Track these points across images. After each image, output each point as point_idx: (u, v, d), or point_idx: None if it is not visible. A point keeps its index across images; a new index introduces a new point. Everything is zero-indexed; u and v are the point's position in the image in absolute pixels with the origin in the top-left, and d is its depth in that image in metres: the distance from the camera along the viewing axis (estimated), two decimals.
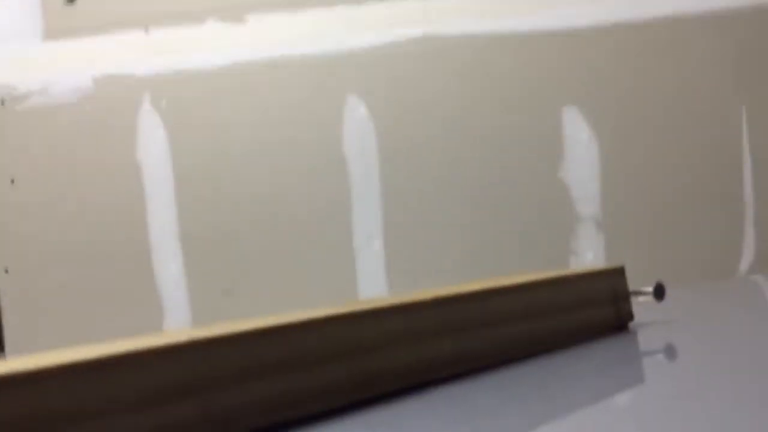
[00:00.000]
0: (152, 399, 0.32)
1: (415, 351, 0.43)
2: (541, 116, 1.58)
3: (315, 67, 1.61)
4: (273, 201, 1.61)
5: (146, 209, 1.63)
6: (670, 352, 0.53)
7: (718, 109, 1.55)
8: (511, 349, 0.49)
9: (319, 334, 0.39)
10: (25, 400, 0.28)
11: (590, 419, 0.35)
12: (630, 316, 0.60)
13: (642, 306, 0.62)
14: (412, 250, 1.59)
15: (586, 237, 1.57)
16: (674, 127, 1.56)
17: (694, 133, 1.56)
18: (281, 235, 1.61)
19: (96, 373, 0.30)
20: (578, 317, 0.56)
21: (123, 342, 0.34)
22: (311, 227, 1.61)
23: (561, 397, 0.40)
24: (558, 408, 0.37)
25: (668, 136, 1.56)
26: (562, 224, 1.57)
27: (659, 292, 0.60)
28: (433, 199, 1.59)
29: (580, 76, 1.58)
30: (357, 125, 1.60)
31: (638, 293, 0.60)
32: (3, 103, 1.66)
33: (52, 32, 1.66)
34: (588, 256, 1.56)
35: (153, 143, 1.63)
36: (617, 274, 0.61)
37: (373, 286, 1.58)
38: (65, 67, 1.65)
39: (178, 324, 1.62)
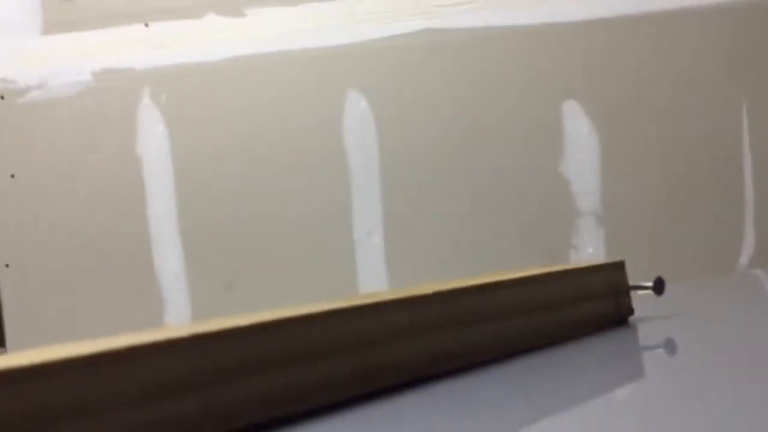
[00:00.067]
0: (153, 394, 0.32)
1: (417, 345, 0.43)
2: (541, 110, 1.58)
3: (315, 61, 1.61)
4: (273, 195, 1.61)
5: (146, 203, 1.63)
6: (670, 346, 0.53)
7: (719, 104, 1.55)
8: (511, 343, 0.49)
9: (320, 328, 0.39)
10: (26, 395, 0.28)
11: (591, 413, 0.35)
12: (630, 311, 0.60)
13: (642, 300, 0.62)
14: (412, 243, 1.59)
15: (587, 231, 1.57)
16: (675, 121, 1.56)
17: (695, 127, 1.56)
18: (281, 228, 1.61)
19: (97, 368, 0.30)
20: (578, 311, 0.56)
21: (124, 337, 0.34)
22: (311, 221, 1.61)
23: (562, 391, 0.40)
24: (559, 401, 0.37)
25: (669, 130, 1.56)
26: (562, 219, 1.57)
27: (659, 287, 0.60)
28: (433, 193, 1.59)
29: (581, 71, 1.58)
30: (357, 119, 1.60)
31: (638, 288, 0.60)
32: (3, 97, 1.65)
33: (51, 26, 1.66)
34: (588, 250, 1.56)
35: (153, 137, 1.63)
36: (617, 268, 0.61)
37: (373, 279, 1.58)
38: (65, 61, 1.65)
39: (178, 318, 1.62)
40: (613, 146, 1.57)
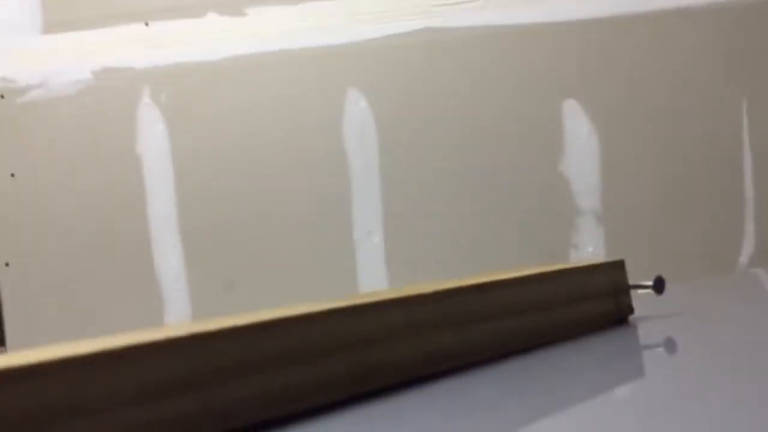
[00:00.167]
0: (152, 393, 0.32)
1: (416, 344, 0.43)
2: (541, 109, 1.58)
3: (315, 61, 1.61)
4: (273, 194, 1.61)
5: (146, 203, 1.63)
6: (670, 345, 0.53)
7: (719, 103, 1.55)
8: (511, 343, 0.49)
9: (319, 327, 0.39)
10: (26, 394, 0.28)
11: (590, 412, 0.35)
12: (630, 310, 0.60)
13: (642, 299, 0.62)
14: (413, 243, 1.59)
15: (587, 230, 1.57)
16: (674, 120, 1.56)
17: (695, 126, 1.55)
18: (281, 228, 1.61)
19: (96, 367, 0.30)
20: (578, 310, 0.56)
21: (123, 336, 0.34)
22: (311, 220, 1.61)
23: (561, 390, 0.40)
24: (558, 401, 0.37)
25: (669, 129, 1.56)
26: (562, 218, 1.57)
27: (659, 286, 0.60)
28: (433, 192, 1.59)
29: (581, 70, 1.57)
30: (357, 118, 1.60)
31: (638, 287, 0.60)
32: (3, 97, 1.65)
33: (51, 25, 1.66)
34: (588, 249, 1.56)
35: (153, 136, 1.63)
36: (617, 267, 0.60)
37: (373, 279, 1.58)
38: (65, 61, 1.65)
39: (178, 317, 1.62)
40: (613, 145, 1.57)
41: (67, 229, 1.64)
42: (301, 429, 0.35)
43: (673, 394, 0.38)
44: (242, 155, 1.62)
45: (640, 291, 0.61)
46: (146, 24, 1.65)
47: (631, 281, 0.60)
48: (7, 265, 1.65)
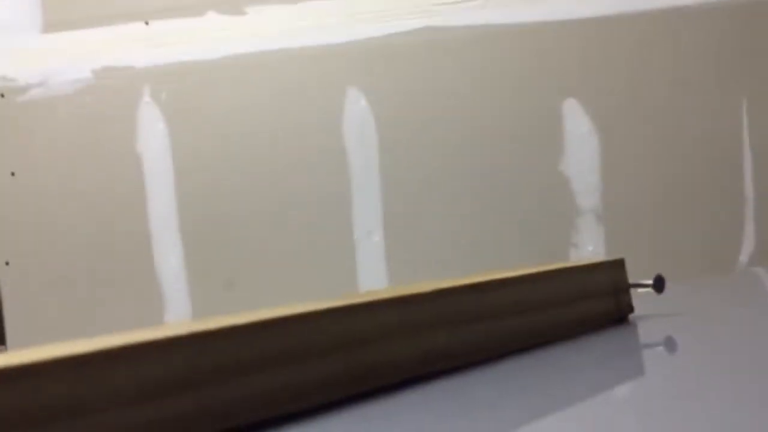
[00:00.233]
0: (152, 392, 0.32)
1: (414, 344, 0.43)
2: (541, 108, 1.57)
3: (315, 59, 1.61)
4: (273, 193, 1.61)
5: (146, 202, 1.63)
6: (670, 344, 0.53)
7: (719, 102, 1.55)
8: (510, 342, 0.49)
9: (316, 327, 0.39)
10: (26, 393, 0.28)
11: (590, 411, 0.35)
12: (630, 309, 0.60)
13: (642, 298, 0.62)
14: (413, 242, 1.59)
15: (587, 229, 1.57)
16: (674, 119, 1.56)
17: (695, 125, 1.55)
18: (281, 227, 1.61)
19: (96, 366, 0.30)
20: (578, 309, 0.56)
21: (123, 335, 0.34)
22: (311, 219, 1.61)
23: (561, 390, 0.40)
24: (558, 400, 0.37)
25: (669, 128, 1.56)
26: (562, 217, 1.57)
27: (659, 285, 0.60)
28: (434, 192, 1.59)
29: (581, 69, 1.57)
30: (357, 117, 1.60)
31: (638, 285, 0.60)
32: (3, 96, 1.65)
33: (51, 24, 1.66)
34: (588, 248, 1.56)
35: (153, 135, 1.63)
36: (617, 266, 0.60)
37: (373, 278, 1.58)
38: (65, 60, 1.65)
39: (178, 316, 1.62)
40: (614, 144, 1.57)
41: (67, 228, 1.64)
42: (299, 428, 0.35)
43: (673, 393, 0.38)
44: (242, 154, 1.62)
45: (640, 290, 0.61)
46: (146, 23, 1.65)
47: (631, 280, 0.60)
48: (7, 264, 1.65)
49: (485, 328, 0.48)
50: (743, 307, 0.67)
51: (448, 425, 0.34)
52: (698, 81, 1.55)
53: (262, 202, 1.61)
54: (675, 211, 1.55)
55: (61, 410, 0.29)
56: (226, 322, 0.35)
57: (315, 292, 1.53)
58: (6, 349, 1.61)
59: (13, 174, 1.65)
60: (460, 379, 0.42)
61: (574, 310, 0.55)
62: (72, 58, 1.65)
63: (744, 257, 1.54)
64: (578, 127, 1.57)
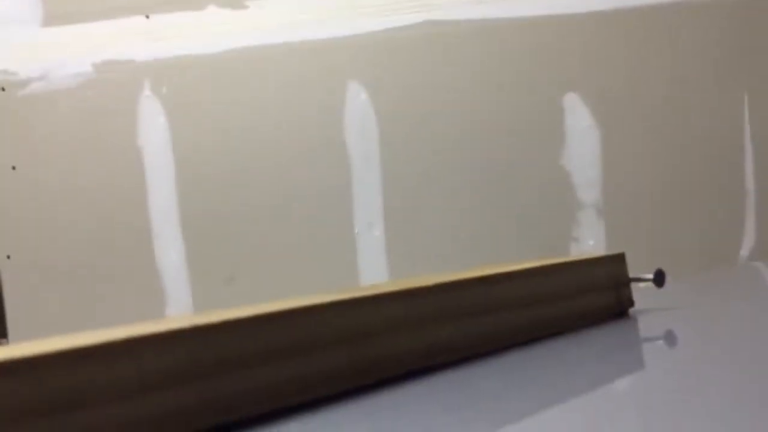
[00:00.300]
0: (154, 385, 0.32)
1: (417, 337, 0.43)
2: (542, 102, 1.57)
3: (316, 53, 1.61)
4: (274, 187, 1.61)
5: (147, 195, 1.63)
6: (670, 338, 0.53)
7: (720, 96, 1.55)
8: (512, 335, 0.49)
9: (320, 320, 0.39)
10: (28, 386, 0.28)
11: (590, 404, 0.35)
12: (630, 303, 0.60)
13: (642, 292, 0.62)
14: (413, 236, 1.59)
15: (587, 223, 1.57)
16: (675, 113, 1.56)
17: (696, 119, 1.55)
18: (282, 221, 1.61)
19: (98, 359, 0.30)
20: (579, 303, 0.56)
21: (124, 328, 0.34)
22: (312, 213, 1.61)
23: (562, 383, 0.40)
24: (559, 393, 0.37)
25: (670, 123, 1.56)
26: (562, 211, 1.57)
27: (659, 279, 0.60)
28: (434, 185, 1.59)
29: (582, 63, 1.57)
30: (358, 111, 1.60)
31: (639, 280, 0.61)
32: (3, 89, 1.65)
33: (52, 18, 1.66)
34: (589, 242, 1.56)
35: (153, 129, 1.63)
36: (618, 260, 0.61)
37: (374, 272, 1.59)
38: (65, 53, 1.65)
39: (179, 310, 1.62)
40: (614, 139, 1.57)
41: (68, 222, 1.64)
42: (304, 421, 0.35)
43: (673, 386, 0.38)
44: (243, 148, 1.62)
45: (640, 284, 0.61)
46: (147, 17, 1.65)
47: (632, 274, 0.61)
48: (8, 257, 1.65)
49: (488, 321, 0.48)
50: (743, 301, 0.67)
51: (452, 416, 0.34)
52: (700, 75, 1.55)
53: (262, 195, 1.61)
54: (676, 205, 1.55)
55: (63, 403, 0.29)
56: (228, 316, 0.36)
57: (316, 286, 1.53)
58: (8, 343, 1.61)
59: (14, 168, 1.65)
60: (463, 372, 0.42)
61: (575, 303, 0.56)
62: (73, 51, 1.65)
63: (744, 252, 1.54)
64: (579, 121, 1.57)
